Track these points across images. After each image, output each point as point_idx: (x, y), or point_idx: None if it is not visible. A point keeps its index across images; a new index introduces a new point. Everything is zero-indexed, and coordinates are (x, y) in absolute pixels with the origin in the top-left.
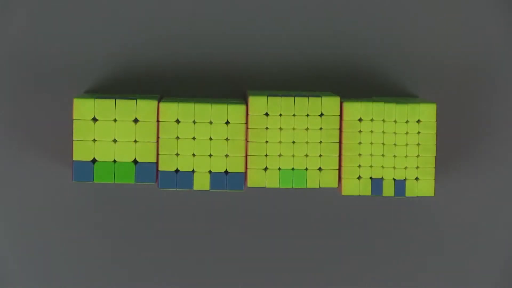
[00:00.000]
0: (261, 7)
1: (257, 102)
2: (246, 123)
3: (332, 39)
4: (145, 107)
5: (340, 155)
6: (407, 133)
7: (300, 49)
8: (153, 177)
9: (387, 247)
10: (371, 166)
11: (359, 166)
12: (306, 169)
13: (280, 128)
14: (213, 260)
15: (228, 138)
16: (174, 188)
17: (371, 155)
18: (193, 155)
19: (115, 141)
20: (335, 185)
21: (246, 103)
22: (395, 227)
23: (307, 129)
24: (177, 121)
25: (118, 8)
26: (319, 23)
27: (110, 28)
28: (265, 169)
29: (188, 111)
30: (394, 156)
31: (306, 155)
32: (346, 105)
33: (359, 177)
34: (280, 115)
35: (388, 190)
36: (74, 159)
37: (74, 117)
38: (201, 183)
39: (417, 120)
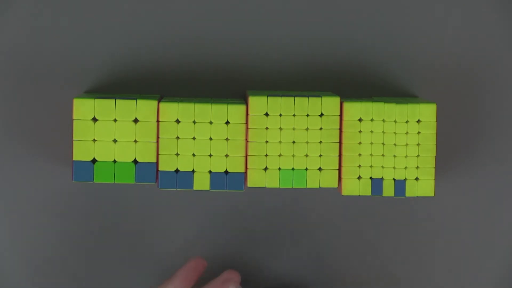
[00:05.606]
0: (261, 7)
1: (257, 102)
2: (246, 123)
3: (331, 39)
4: (145, 107)
5: (340, 155)
6: (407, 133)
7: (300, 49)
8: (153, 177)
9: (387, 247)
10: (371, 166)
11: (359, 166)
12: (306, 169)
13: (280, 128)
14: (212, 260)
15: (228, 138)
16: (174, 188)
17: (371, 155)
18: (193, 155)
19: (115, 141)
20: (335, 185)
21: (246, 103)
22: (395, 227)
23: (307, 129)
24: (177, 121)
25: (118, 8)
26: (319, 23)
27: (110, 28)
28: (265, 169)
29: (188, 111)
30: (394, 156)
31: (306, 155)
32: (346, 105)
33: (359, 177)
34: (280, 115)
35: (388, 190)
36: (74, 159)
37: (74, 117)
38: (201, 183)
39: (417, 120)
